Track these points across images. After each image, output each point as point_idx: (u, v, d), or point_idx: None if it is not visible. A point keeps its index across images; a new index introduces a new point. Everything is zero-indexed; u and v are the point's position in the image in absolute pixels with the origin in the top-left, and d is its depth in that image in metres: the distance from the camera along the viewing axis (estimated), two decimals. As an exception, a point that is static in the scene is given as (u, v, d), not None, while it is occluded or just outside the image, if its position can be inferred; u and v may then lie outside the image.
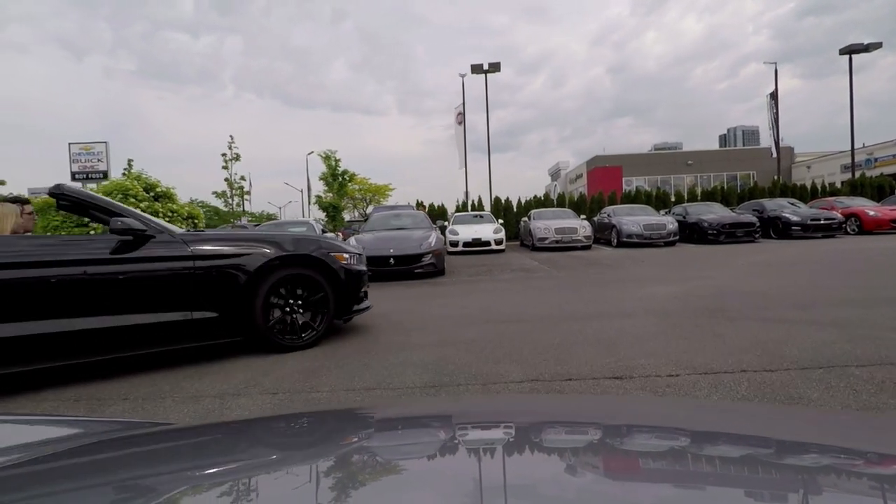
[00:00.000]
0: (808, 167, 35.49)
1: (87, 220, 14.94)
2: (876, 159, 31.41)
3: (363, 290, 4.29)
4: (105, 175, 21.04)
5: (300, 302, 3.75)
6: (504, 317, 4.63)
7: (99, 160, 21.36)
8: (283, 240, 3.84)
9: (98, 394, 2.86)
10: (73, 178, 21.24)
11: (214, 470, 0.62)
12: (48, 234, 13.08)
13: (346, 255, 4.08)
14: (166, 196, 16.72)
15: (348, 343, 3.82)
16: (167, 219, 16.14)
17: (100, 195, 3.54)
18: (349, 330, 4.28)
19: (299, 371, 3.13)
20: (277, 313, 3.65)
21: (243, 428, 0.90)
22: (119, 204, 3.47)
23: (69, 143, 21.31)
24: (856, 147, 32.26)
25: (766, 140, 26.22)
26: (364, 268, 4.36)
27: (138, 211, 3.62)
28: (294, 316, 3.72)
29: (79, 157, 21.25)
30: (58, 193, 3.38)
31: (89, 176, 21.14)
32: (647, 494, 0.48)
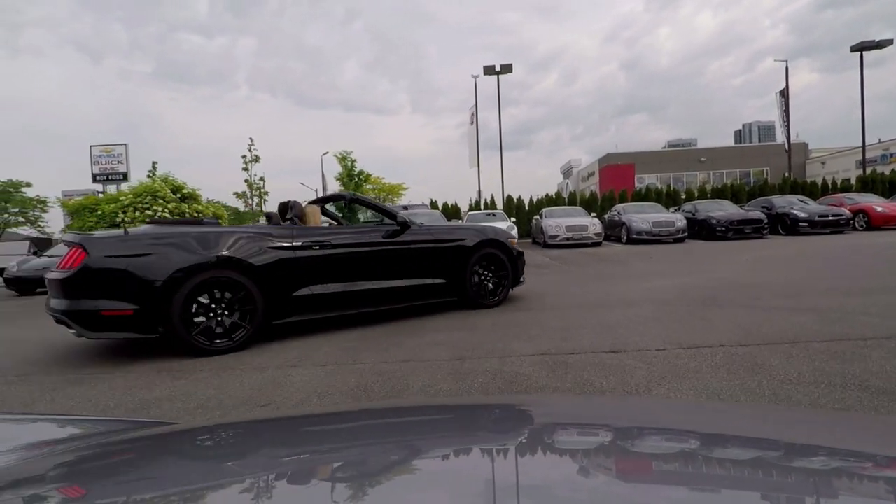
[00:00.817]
0: (823, 163, 35.30)
1: (120, 220, 15.73)
2: (892, 154, 31.18)
3: (524, 268, 5.74)
4: (125, 176, 21.10)
5: (490, 274, 5.24)
6: (517, 307, 5.12)
7: (119, 162, 21.47)
8: (483, 228, 5.49)
9: (177, 367, 3.43)
10: (94, 180, 21.37)
11: (220, 470, 0.62)
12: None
13: (515, 242, 5.60)
14: (192, 197, 17.45)
15: (379, 327, 4.35)
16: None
17: (374, 199, 5.03)
18: (379, 316, 4.80)
19: (343, 348, 3.67)
20: (476, 280, 5.13)
21: (253, 428, 0.91)
22: (386, 203, 4.88)
23: (90, 146, 21.41)
24: (873, 142, 32.08)
25: (781, 136, 26.18)
26: (522, 251, 5.74)
27: (396, 208, 5.31)
28: (487, 283, 5.20)
29: (99, 159, 21.40)
30: (351, 197, 5.20)
31: (109, 177, 21.25)
32: (658, 497, 0.48)
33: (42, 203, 48.04)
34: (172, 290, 3.58)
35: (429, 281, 4.85)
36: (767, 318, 3.86)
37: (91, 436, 0.87)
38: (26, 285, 10.70)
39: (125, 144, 21.83)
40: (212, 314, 3.74)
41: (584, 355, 3.14)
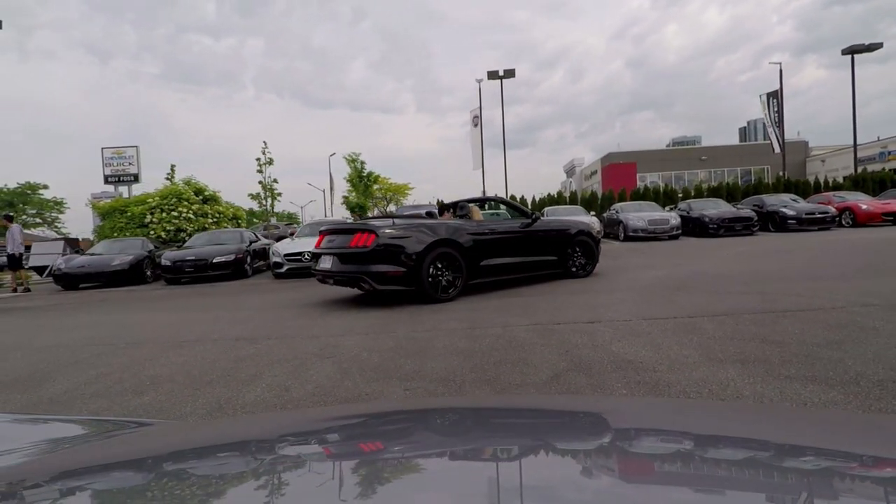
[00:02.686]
0: (823, 161, 35.91)
1: (148, 221, 16.68)
2: (890, 152, 31.78)
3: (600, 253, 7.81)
4: (136, 178, 21.80)
5: (581, 254, 7.24)
6: (516, 294, 6.04)
7: (130, 164, 22.00)
8: (577, 222, 7.77)
9: (249, 337, 4.38)
10: (106, 182, 21.99)
11: (224, 468, 0.63)
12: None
13: (594, 232, 7.91)
14: (213, 199, 18.48)
15: (403, 309, 5.29)
16: (214, 219, 17.89)
17: (514, 201, 7.45)
18: (399, 299, 5.74)
19: (378, 323, 4.62)
20: (577, 261, 7.18)
21: (258, 424, 0.91)
22: (519, 204, 7.55)
23: (102, 148, 21.97)
24: (872, 140, 32.68)
25: (772, 136, 26.86)
26: (599, 239, 7.89)
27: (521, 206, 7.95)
28: (580, 260, 7.22)
29: (111, 161, 21.92)
30: (496, 199, 8.73)
31: (121, 179, 21.88)
32: (661, 497, 0.49)
33: (59, 204, 49.38)
34: (423, 258, 5.48)
35: (547, 258, 6.89)
36: (720, 299, 4.75)
37: (91, 436, 0.88)
38: (72, 281, 11.71)
39: (136, 146, 22.33)
40: (439, 275, 5.64)
41: (567, 325, 4.05)
